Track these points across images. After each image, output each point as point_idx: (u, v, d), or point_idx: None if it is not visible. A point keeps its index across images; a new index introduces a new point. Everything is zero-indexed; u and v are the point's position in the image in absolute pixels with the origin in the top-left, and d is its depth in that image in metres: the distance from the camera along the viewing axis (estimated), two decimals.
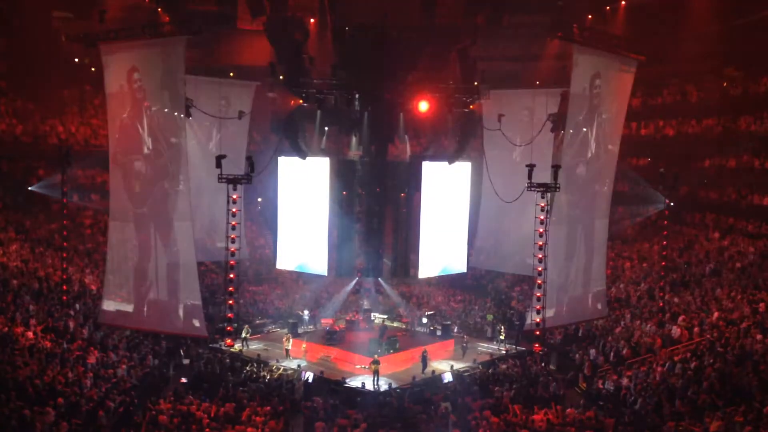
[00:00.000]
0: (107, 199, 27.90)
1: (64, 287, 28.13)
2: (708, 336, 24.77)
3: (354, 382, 23.39)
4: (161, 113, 25.22)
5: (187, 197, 25.55)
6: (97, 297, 28.54)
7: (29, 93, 40.42)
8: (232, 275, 26.18)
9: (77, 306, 27.45)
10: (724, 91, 39.64)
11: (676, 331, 25.99)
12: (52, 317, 25.68)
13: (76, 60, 43.69)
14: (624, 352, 25.11)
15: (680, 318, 27.00)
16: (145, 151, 25.58)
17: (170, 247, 25.72)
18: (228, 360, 25.30)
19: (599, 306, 28.62)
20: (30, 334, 23.61)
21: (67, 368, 21.46)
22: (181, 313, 25.72)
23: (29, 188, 34.35)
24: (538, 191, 25.87)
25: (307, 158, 27.09)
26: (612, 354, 25.18)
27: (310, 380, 23.15)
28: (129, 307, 26.21)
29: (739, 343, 22.67)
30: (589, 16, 40.98)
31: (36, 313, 25.55)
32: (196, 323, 25.63)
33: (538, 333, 26.47)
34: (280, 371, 24.23)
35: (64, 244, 29.06)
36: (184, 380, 23.12)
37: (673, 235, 32.72)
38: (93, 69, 39.57)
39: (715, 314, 26.29)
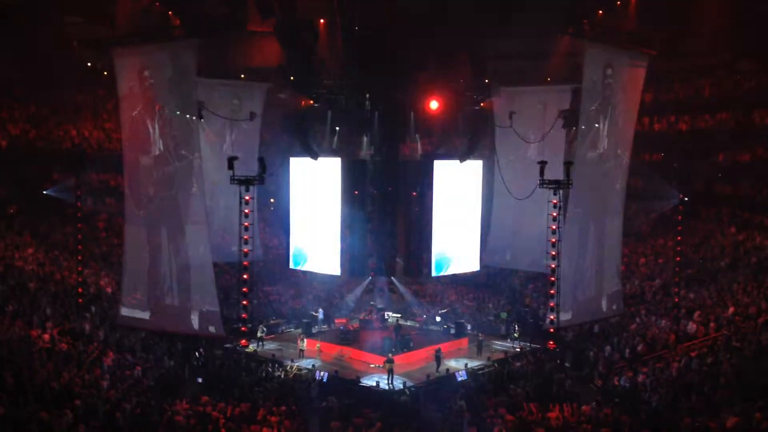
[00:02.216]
0: (121, 203, 28.06)
1: (80, 290, 28.36)
2: (724, 331, 24.61)
3: (368, 382, 23.42)
4: (174, 116, 25.33)
5: (202, 200, 25.62)
6: (112, 299, 28.77)
7: (42, 98, 40.73)
8: (245, 276, 26.30)
9: (93, 308, 27.65)
10: (737, 84, 39.34)
11: (691, 326, 25.84)
12: (69, 320, 25.90)
13: (89, 64, 44.01)
14: (639, 348, 24.98)
15: (696, 314, 26.84)
16: (158, 153, 25.67)
17: (185, 250, 25.76)
18: (243, 360, 25.40)
19: (614, 306, 28.42)
20: (47, 336, 23.83)
21: (84, 370, 21.64)
22: (197, 319, 25.76)
23: (44, 192, 34.64)
24: (550, 188, 25.78)
25: (319, 158, 27.17)
26: (627, 350, 25.07)
27: (325, 380, 23.20)
28: (145, 314, 26.24)
29: (756, 338, 22.51)
30: (600, 12, 40.79)
31: (52, 315, 25.78)
32: (213, 329, 25.66)
33: (552, 330, 26.39)
34: (295, 371, 24.31)
35: (79, 247, 29.27)
36: (200, 381, 23.24)
37: (688, 231, 32.48)
38: (105, 73, 39.79)
39: (731, 309, 26.11)
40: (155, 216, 26.13)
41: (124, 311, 26.56)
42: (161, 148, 25.55)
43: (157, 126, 25.38)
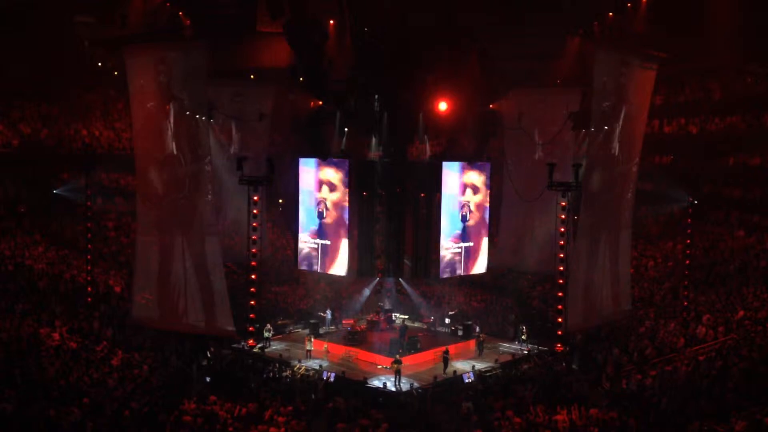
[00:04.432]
0: (131, 202, 28.10)
1: (89, 289, 28.47)
2: (734, 335, 24.50)
3: (375, 383, 23.42)
4: (185, 117, 25.28)
5: (215, 208, 25.59)
6: (121, 298, 28.86)
7: (53, 97, 40.95)
8: (253, 276, 26.34)
9: (102, 307, 27.77)
10: (748, 87, 39.18)
11: (700, 330, 25.72)
12: (78, 318, 26.01)
13: (100, 64, 44.21)
14: (648, 351, 24.87)
15: (705, 317, 26.72)
16: (170, 153, 25.47)
17: (198, 260, 25.56)
18: (250, 360, 25.45)
19: (623, 312, 28.25)
20: (56, 335, 23.96)
21: (92, 368, 21.73)
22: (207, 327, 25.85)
23: (54, 192, 34.84)
24: (559, 190, 25.70)
25: (328, 159, 27.20)
26: (636, 353, 24.96)
27: (332, 380, 23.22)
28: (155, 313, 26.24)
29: (766, 342, 22.40)
30: (610, 14, 40.72)
31: (62, 314, 25.88)
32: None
33: (560, 333, 26.31)
34: (302, 371, 24.34)
35: (89, 246, 29.40)
36: (207, 380, 23.27)
37: (698, 234, 32.34)
38: (116, 73, 40.02)
39: (741, 313, 25.98)
40: (167, 218, 25.99)
41: (134, 310, 26.63)
42: (173, 148, 25.51)
43: (168, 126, 25.38)
